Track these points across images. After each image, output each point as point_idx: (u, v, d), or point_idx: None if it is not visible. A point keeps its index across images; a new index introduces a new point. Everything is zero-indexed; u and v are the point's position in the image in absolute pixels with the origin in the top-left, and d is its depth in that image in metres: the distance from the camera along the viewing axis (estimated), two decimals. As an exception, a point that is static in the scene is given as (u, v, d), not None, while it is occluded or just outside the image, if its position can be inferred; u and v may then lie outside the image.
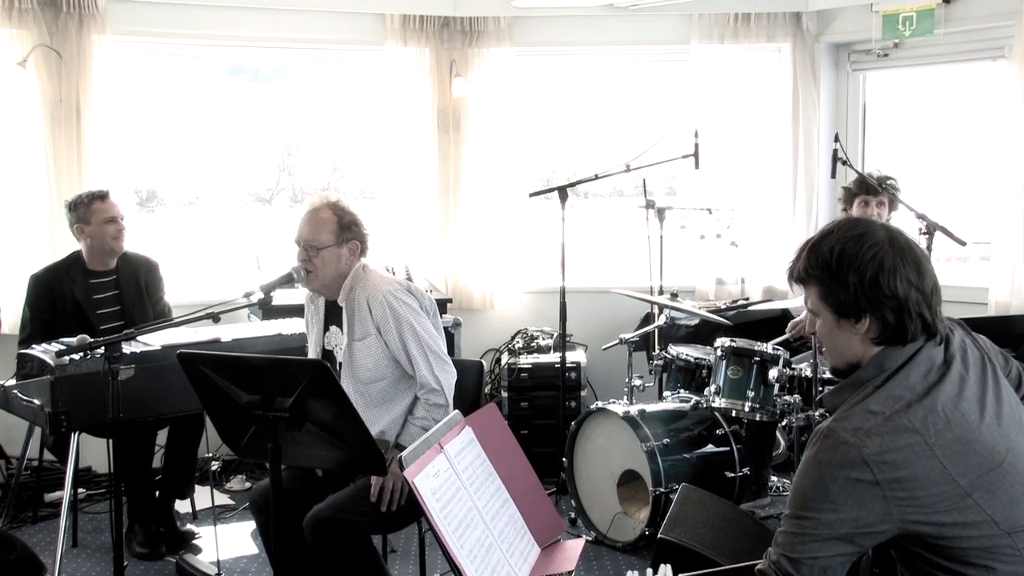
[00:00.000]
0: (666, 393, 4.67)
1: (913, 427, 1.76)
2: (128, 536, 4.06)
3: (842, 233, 1.90)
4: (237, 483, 5.06)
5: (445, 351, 3.27)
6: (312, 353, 3.39)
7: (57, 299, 4.19)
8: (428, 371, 3.17)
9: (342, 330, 3.26)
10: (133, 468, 3.96)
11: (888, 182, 4.52)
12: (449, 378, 3.22)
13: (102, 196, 4.19)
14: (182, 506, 4.45)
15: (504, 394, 5.19)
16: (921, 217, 4.12)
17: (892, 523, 1.75)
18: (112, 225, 4.18)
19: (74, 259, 4.28)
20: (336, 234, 3.19)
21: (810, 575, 1.77)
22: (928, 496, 1.74)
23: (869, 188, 4.52)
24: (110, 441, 3.13)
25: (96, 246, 4.21)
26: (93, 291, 4.24)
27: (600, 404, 4.32)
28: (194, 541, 4.25)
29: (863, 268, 1.84)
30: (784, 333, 4.68)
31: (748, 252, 5.63)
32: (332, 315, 3.32)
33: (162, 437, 4.76)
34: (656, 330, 4.85)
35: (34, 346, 3.62)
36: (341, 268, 3.21)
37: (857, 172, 4.53)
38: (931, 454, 1.75)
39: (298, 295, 3.52)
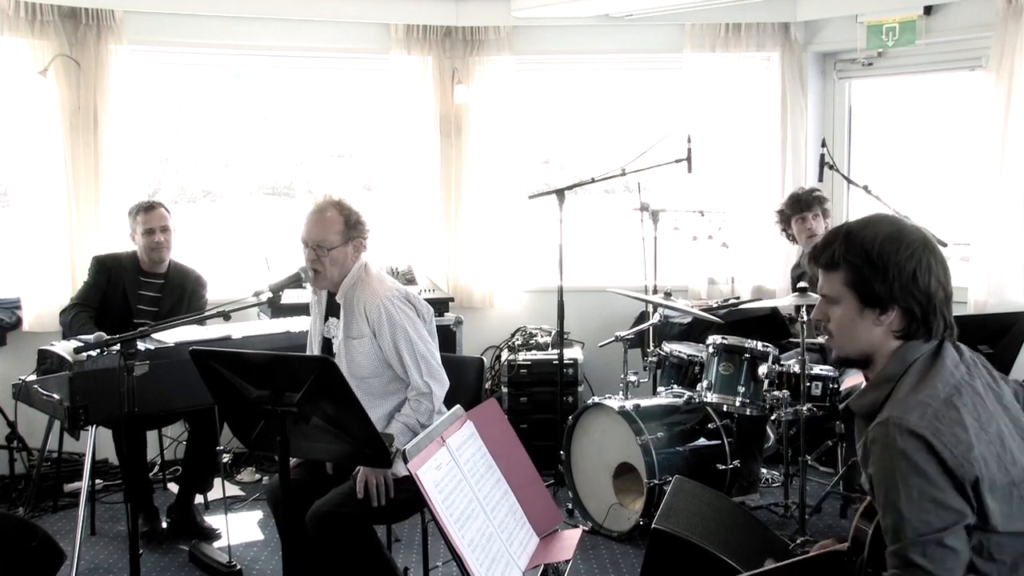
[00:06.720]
0: (660, 389, 4.74)
1: (969, 409, 1.82)
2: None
3: (883, 227, 1.94)
4: (247, 475, 5.21)
5: (438, 359, 3.27)
6: (313, 339, 3.44)
7: (110, 283, 4.42)
8: (419, 376, 3.19)
9: (339, 323, 3.31)
10: (128, 459, 4.03)
11: (815, 194, 4.83)
12: (437, 386, 3.22)
13: (147, 208, 4.41)
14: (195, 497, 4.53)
15: (504, 390, 5.27)
16: (904, 219, 4.23)
17: (969, 499, 1.77)
18: (149, 237, 4.36)
19: (133, 254, 4.51)
20: (343, 233, 3.22)
21: (951, 562, 1.76)
22: (989, 479, 1.77)
23: (803, 205, 4.80)
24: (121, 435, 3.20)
25: (140, 253, 4.44)
26: (139, 287, 4.44)
27: (596, 399, 4.40)
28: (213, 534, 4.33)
29: (903, 262, 1.88)
30: (776, 331, 4.77)
31: (738, 253, 5.70)
32: (332, 307, 3.35)
33: (173, 431, 4.94)
34: (650, 328, 4.94)
35: (53, 343, 3.73)
36: (347, 266, 3.26)
37: (843, 176, 4.62)
38: (988, 439, 1.80)
39: (305, 294, 3.54)
